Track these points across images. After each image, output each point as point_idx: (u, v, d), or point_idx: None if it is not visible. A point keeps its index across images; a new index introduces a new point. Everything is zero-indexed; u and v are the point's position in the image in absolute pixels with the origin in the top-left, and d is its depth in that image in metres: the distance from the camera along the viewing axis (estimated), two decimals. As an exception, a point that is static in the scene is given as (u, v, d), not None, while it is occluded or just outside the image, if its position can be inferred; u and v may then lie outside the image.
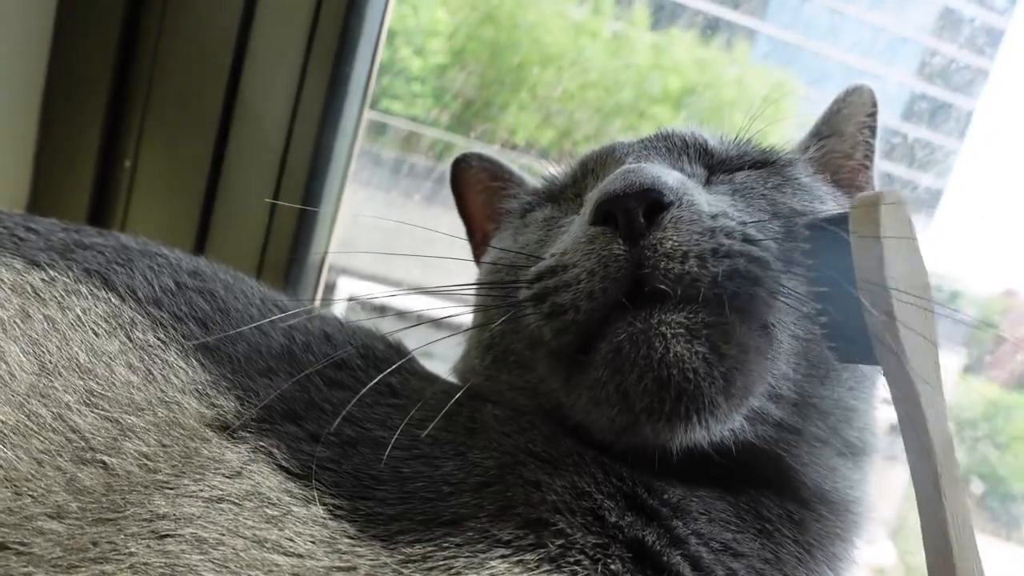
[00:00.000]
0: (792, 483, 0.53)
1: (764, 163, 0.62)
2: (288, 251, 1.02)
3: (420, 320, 0.60)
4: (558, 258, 0.52)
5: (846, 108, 0.69)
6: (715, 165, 0.61)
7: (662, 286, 0.46)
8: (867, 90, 0.69)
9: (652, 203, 0.48)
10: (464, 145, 1.49)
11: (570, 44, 1.56)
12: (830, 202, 0.59)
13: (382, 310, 0.76)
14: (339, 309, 1.03)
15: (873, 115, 0.69)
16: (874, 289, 0.45)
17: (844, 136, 0.69)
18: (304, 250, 1.04)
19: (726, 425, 0.48)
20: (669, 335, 0.45)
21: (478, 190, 0.78)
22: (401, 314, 0.64)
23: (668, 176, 0.50)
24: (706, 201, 0.51)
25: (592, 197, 0.51)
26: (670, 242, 0.47)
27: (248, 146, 1.03)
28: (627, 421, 0.48)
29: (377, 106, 1.49)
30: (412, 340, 0.65)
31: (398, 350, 0.63)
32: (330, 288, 1.20)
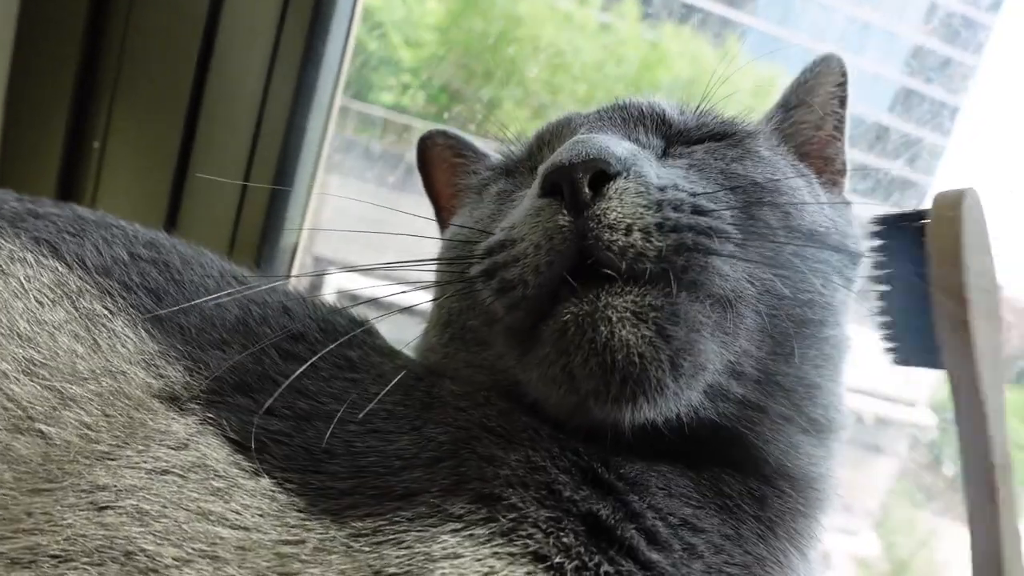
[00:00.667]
0: (754, 460, 0.52)
1: (724, 135, 0.60)
2: (259, 235, 1.00)
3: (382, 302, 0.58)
4: (507, 232, 0.51)
5: (814, 79, 0.68)
6: (673, 136, 0.60)
7: (605, 259, 0.45)
8: (836, 59, 0.67)
9: (598, 173, 0.47)
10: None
11: (559, 36, 1.55)
12: (792, 175, 0.58)
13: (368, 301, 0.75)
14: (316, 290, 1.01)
15: (842, 85, 0.67)
16: (951, 291, 0.44)
17: (812, 107, 0.68)
18: (276, 235, 1.02)
19: (677, 404, 0.47)
20: (614, 318, 0.44)
21: (443, 168, 0.77)
22: (373, 300, 0.62)
23: (617, 146, 0.49)
24: (655, 173, 0.50)
25: (542, 168, 0.50)
26: (614, 213, 0.46)
27: (219, 128, 1.01)
28: (574, 401, 0.47)
29: (366, 98, 1.48)
30: (380, 322, 0.63)
31: (360, 325, 0.61)
32: (317, 284, 1.19)
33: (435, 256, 0.63)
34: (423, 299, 0.60)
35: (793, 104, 0.68)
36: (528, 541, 0.43)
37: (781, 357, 0.52)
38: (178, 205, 1.01)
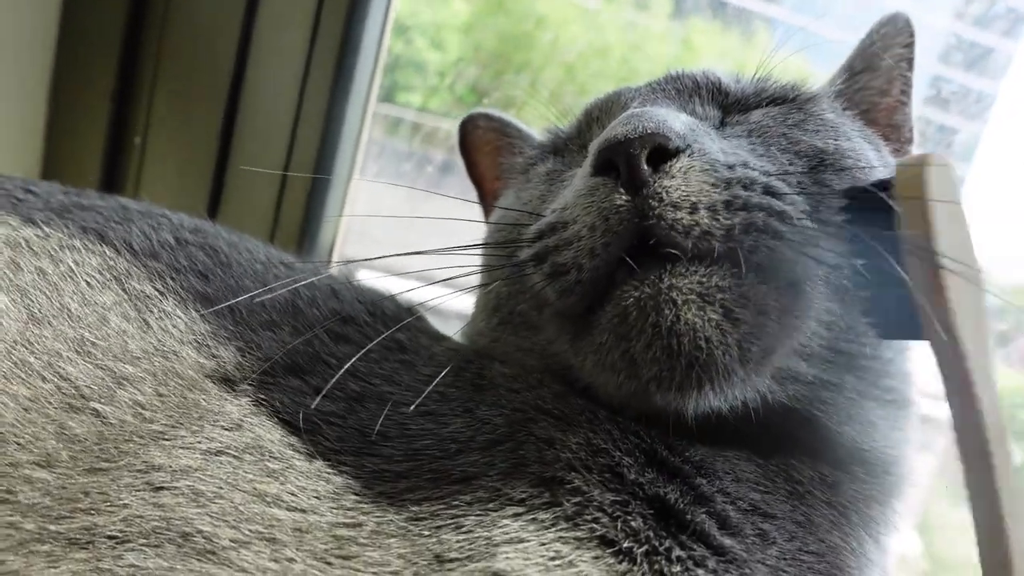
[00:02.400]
0: (827, 443, 0.50)
1: (784, 99, 0.57)
2: (298, 232, 1.01)
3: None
4: (558, 214, 0.49)
5: (880, 40, 0.63)
6: (730, 106, 0.57)
7: (669, 239, 0.43)
8: (903, 18, 0.63)
9: (657, 148, 0.44)
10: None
11: (586, 34, 1.55)
12: (858, 140, 0.55)
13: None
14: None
15: (910, 46, 0.63)
16: (923, 257, 0.42)
17: (879, 70, 0.63)
18: (315, 230, 1.02)
19: (744, 391, 0.45)
20: (680, 301, 0.42)
21: (486, 151, 0.75)
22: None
23: (675, 119, 0.46)
24: (720, 149, 0.47)
25: (594, 145, 0.48)
26: (678, 191, 0.43)
27: (257, 124, 1.02)
28: (634, 388, 0.45)
29: (392, 99, 1.48)
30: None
31: (408, 309, 0.61)
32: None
33: (481, 241, 0.62)
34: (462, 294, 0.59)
35: (859, 68, 0.64)
36: (594, 525, 0.42)
37: (853, 334, 0.49)
38: (218, 200, 1.02)
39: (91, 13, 1.00)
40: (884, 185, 0.46)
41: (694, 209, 0.43)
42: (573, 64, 1.51)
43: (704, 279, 0.43)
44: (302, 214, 1.04)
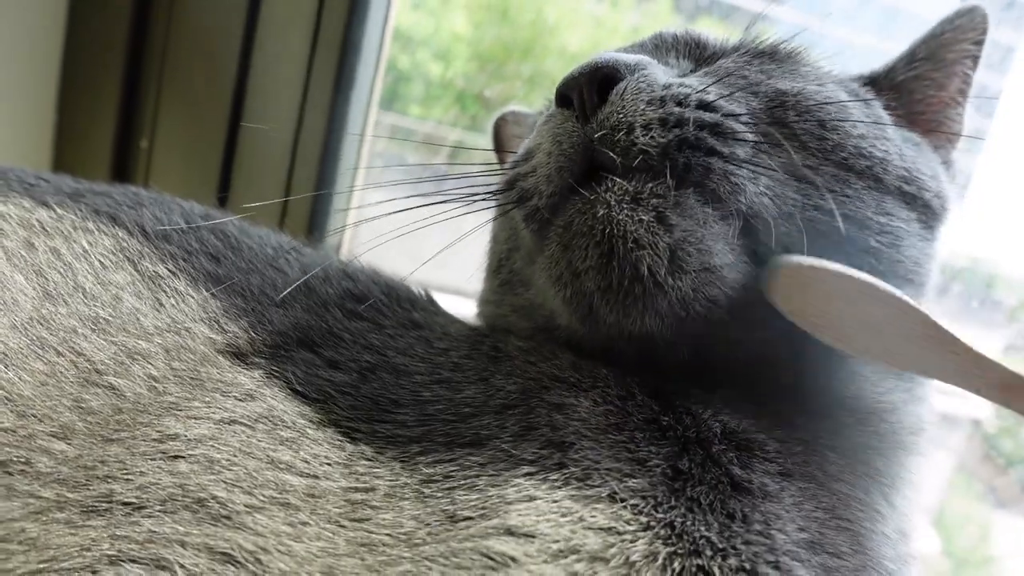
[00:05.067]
0: (812, 391, 0.50)
1: (763, 52, 0.56)
2: (303, 236, 1.01)
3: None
4: (527, 144, 0.51)
5: (952, 31, 0.59)
6: (706, 59, 0.57)
7: (610, 160, 0.45)
8: (980, 12, 0.59)
9: (606, 78, 0.47)
10: (486, 145, 1.48)
11: (590, 40, 1.56)
12: (833, 89, 0.53)
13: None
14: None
15: (980, 43, 0.59)
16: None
17: (942, 62, 0.60)
18: (319, 237, 1.03)
19: (689, 308, 0.44)
20: (612, 201, 0.44)
21: (515, 143, 0.77)
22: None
23: (627, 56, 0.48)
24: (663, 73, 0.49)
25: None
26: (617, 114, 0.45)
27: (261, 130, 1.03)
28: (581, 304, 0.46)
29: (395, 109, 1.49)
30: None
31: (423, 293, 0.61)
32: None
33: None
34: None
35: (920, 56, 0.60)
36: (603, 487, 0.41)
37: None
38: (224, 204, 1.02)
39: (97, 19, 1.01)
40: None
41: (631, 129, 0.45)
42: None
43: (638, 184, 0.44)
44: (307, 219, 1.05)
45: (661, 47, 0.58)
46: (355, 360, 0.50)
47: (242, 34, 1.02)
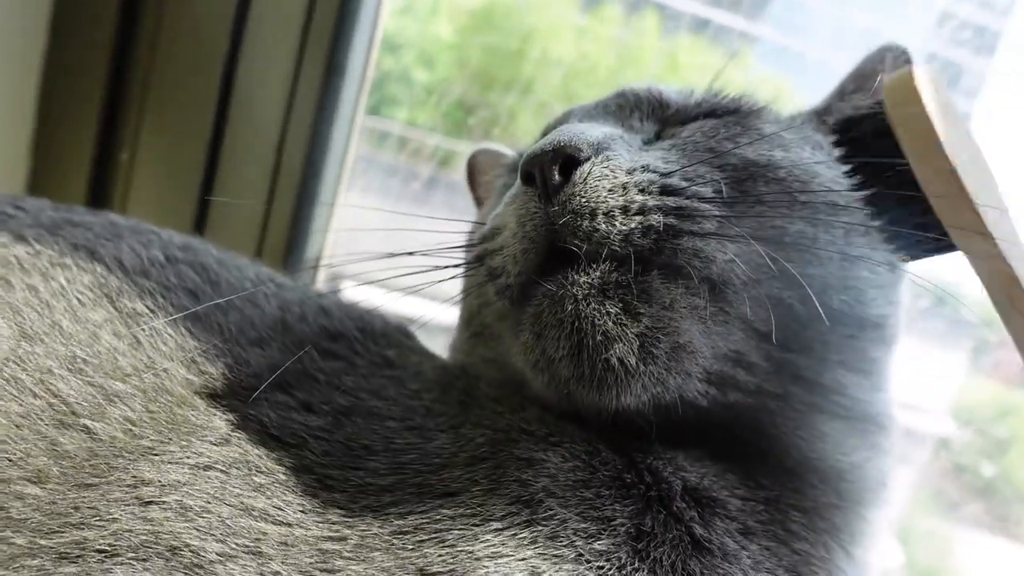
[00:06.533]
0: (777, 450, 0.51)
1: (725, 112, 0.57)
2: (284, 249, 1.02)
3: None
4: (494, 220, 0.52)
5: (878, 64, 0.62)
6: (669, 118, 0.57)
7: (572, 244, 0.45)
8: (900, 49, 0.61)
9: (568, 159, 0.47)
10: (467, 151, 1.49)
11: (575, 49, 1.56)
12: (806, 152, 0.54)
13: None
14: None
15: None
16: (935, 157, 0.43)
17: (870, 92, 0.62)
18: (300, 247, 1.03)
19: (661, 389, 0.45)
20: (580, 296, 0.44)
21: (485, 182, 0.78)
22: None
23: (592, 132, 0.49)
24: (628, 156, 0.49)
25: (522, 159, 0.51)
26: (578, 198, 0.46)
27: (244, 141, 1.03)
28: (558, 387, 0.47)
29: (380, 113, 1.49)
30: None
31: (398, 327, 0.62)
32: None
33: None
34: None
35: (850, 90, 0.63)
36: (570, 547, 0.43)
37: (801, 343, 0.50)
38: (205, 215, 1.02)
39: (80, 28, 1.00)
40: (870, 114, 0.47)
41: (593, 215, 0.45)
42: (562, 79, 1.52)
43: (603, 275, 0.45)
44: (288, 228, 1.05)
45: (625, 107, 0.58)
46: (329, 403, 0.50)
47: (227, 48, 1.01)
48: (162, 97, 1.02)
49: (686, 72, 1.50)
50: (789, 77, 1.51)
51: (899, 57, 0.62)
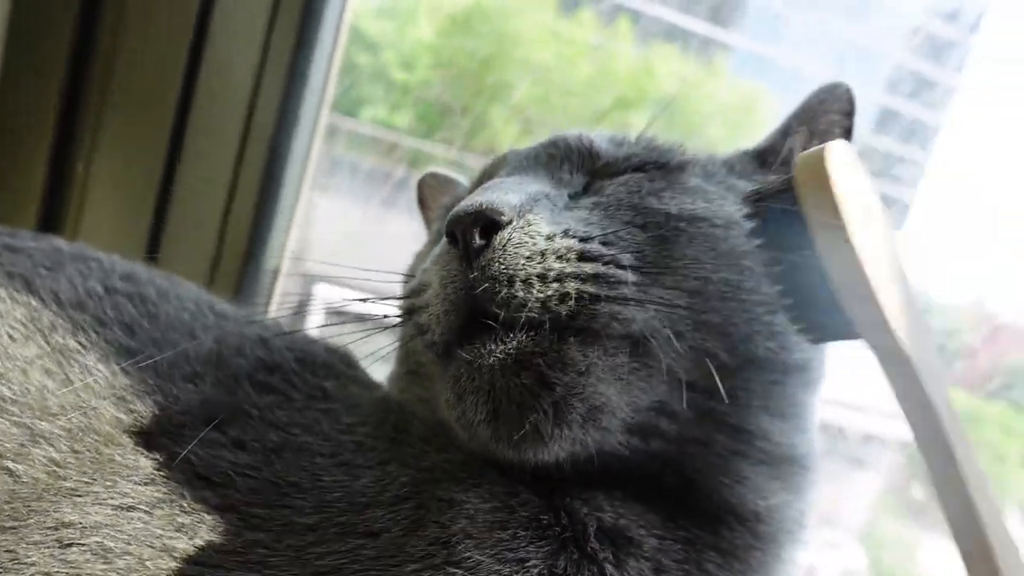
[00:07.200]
0: (698, 494, 0.51)
1: (653, 165, 0.57)
2: (242, 257, 1.01)
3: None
4: (421, 275, 0.52)
5: (818, 105, 0.63)
6: (599, 170, 0.57)
7: (489, 310, 0.46)
8: (844, 88, 0.62)
9: (489, 223, 0.47)
10: (442, 154, 1.49)
11: (552, 55, 1.57)
12: (720, 202, 0.54)
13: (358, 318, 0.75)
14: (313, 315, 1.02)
15: (849, 115, 0.62)
16: (838, 244, 0.42)
17: (815, 132, 0.63)
18: (259, 256, 1.03)
19: (579, 446, 0.46)
20: (496, 366, 0.45)
21: (434, 207, 0.78)
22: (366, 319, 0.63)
23: (515, 194, 0.49)
24: (548, 220, 0.49)
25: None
26: (496, 264, 0.46)
27: (203, 149, 1.02)
28: (479, 445, 0.48)
29: (354, 114, 1.49)
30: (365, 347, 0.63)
31: (342, 356, 0.62)
32: (306, 296, 1.19)
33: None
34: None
35: (793, 130, 0.63)
36: None
37: (724, 392, 0.49)
38: (162, 225, 1.01)
39: (38, 36, 0.98)
40: (787, 187, 0.46)
41: (511, 282, 0.45)
42: (538, 83, 1.53)
43: (519, 345, 0.45)
44: (248, 232, 1.04)
45: (556, 157, 0.58)
46: (260, 439, 0.50)
47: (187, 54, 1.00)
48: (121, 100, 1.00)
49: (661, 80, 1.51)
50: (764, 85, 1.52)
51: (842, 97, 0.62)
